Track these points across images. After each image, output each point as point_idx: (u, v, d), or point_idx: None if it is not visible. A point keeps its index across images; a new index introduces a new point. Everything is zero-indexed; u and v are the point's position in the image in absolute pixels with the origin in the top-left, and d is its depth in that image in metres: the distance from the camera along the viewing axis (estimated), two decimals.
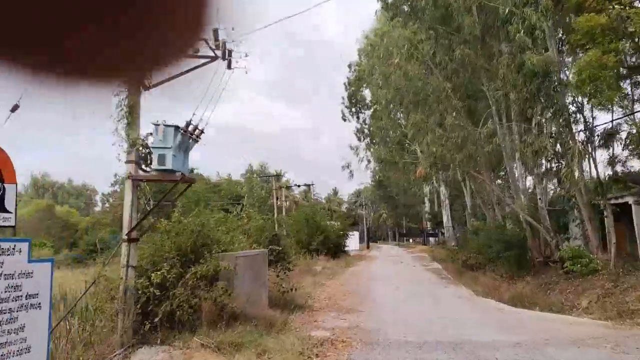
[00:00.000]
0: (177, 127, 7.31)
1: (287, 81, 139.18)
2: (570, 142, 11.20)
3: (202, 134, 7.78)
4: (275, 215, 32.59)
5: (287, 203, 68.14)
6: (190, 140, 7.74)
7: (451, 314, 9.82)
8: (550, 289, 13.69)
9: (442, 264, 23.67)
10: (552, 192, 30.38)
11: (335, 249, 28.59)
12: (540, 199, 16.37)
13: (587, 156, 11.98)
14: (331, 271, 20.20)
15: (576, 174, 11.10)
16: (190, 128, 7.68)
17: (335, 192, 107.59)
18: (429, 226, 54.28)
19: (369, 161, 44.22)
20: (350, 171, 42.55)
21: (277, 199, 35.80)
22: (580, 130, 12.11)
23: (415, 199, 66.07)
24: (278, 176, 76.19)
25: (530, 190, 19.77)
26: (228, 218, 17.14)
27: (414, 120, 15.20)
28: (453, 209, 46.80)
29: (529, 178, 21.25)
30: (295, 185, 36.88)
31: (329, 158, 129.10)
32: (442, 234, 50.27)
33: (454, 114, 13.63)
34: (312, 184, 36.01)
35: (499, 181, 31.69)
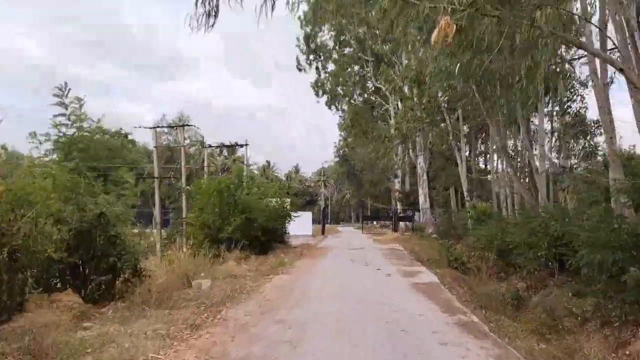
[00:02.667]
0: None
1: (250, 56, 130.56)
2: None
3: None
4: (183, 185, 22.27)
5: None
6: None
7: None
8: None
9: (432, 269, 14.03)
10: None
11: (267, 239, 18.61)
12: None
13: None
14: (236, 287, 10.22)
15: None
16: None
17: (297, 170, 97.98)
18: (399, 207, 44.60)
19: None
20: None
21: (205, 164, 25.37)
22: None
23: (383, 175, 56.75)
24: (232, 147, 65.36)
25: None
26: None
27: None
28: (432, 186, 37.42)
29: None
30: (223, 146, 26.22)
31: (295, 135, 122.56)
32: (413, 216, 40.94)
33: None
34: (247, 144, 25.63)
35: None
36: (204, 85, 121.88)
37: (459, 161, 22.24)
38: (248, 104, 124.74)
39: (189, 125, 24.15)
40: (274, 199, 21.38)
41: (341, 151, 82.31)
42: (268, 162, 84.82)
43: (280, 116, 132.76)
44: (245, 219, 16.64)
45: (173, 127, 23.77)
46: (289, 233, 21.85)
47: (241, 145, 25.87)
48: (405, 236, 33.23)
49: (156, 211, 21.32)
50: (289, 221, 21.87)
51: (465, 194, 21.80)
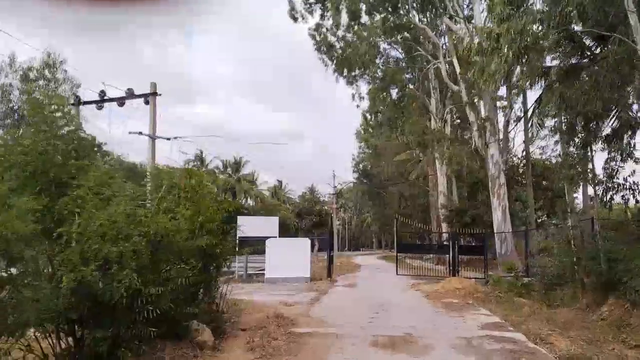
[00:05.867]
0: None
1: (266, 82, 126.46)
2: None
3: None
4: None
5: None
6: None
7: None
8: None
9: None
10: None
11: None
12: None
13: None
14: None
15: None
16: None
17: (313, 190, 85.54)
18: (444, 230, 29.75)
19: None
20: None
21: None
22: None
23: (416, 187, 42.53)
24: (237, 165, 52.87)
25: None
26: None
27: None
28: (512, 196, 23.11)
29: None
30: (104, 100, 13.15)
31: (311, 161, 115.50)
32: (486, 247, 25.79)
33: None
34: (155, 94, 12.64)
35: None
36: (217, 109, 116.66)
37: None
38: (263, 127, 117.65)
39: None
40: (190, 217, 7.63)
41: (360, 165, 69.13)
42: (280, 181, 73.62)
43: (299, 141, 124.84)
44: None
45: None
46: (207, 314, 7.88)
47: (144, 96, 12.53)
48: (470, 281, 18.28)
49: None
50: (218, 270, 8.09)
51: None
